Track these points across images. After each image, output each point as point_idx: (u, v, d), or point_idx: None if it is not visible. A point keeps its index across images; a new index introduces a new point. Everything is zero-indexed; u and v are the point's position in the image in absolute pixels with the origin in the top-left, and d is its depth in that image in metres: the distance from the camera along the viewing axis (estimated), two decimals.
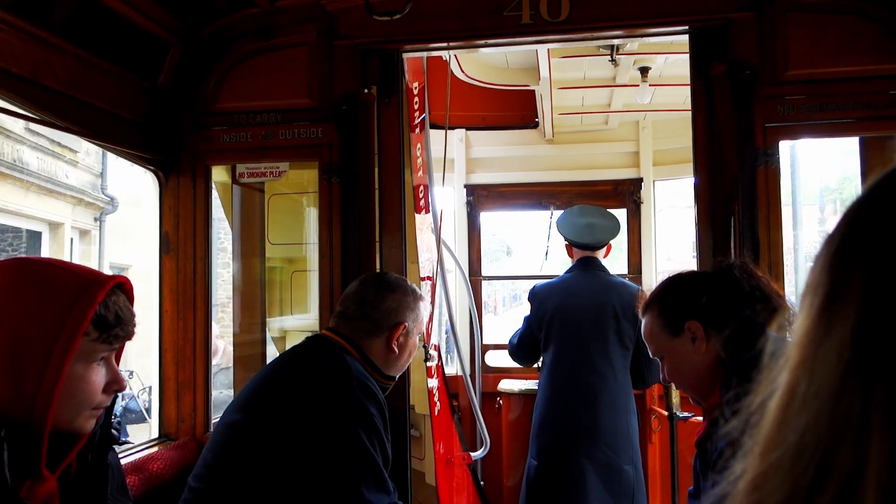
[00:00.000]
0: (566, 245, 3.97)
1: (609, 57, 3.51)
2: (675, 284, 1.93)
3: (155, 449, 2.70)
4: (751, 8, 2.60)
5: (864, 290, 0.46)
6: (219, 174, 3.20)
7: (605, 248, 3.90)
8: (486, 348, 4.96)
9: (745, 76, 2.56)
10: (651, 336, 1.90)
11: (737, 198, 2.54)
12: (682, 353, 1.83)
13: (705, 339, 1.79)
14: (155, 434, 2.92)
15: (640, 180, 4.86)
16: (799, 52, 2.59)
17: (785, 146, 2.98)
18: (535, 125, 4.95)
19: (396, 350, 2.17)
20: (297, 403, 1.89)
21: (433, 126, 3.62)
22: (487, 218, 5.16)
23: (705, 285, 1.87)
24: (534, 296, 3.91)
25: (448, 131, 4.87)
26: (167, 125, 2.89)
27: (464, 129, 4.98)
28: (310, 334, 2.36)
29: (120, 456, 2.58)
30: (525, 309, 4.03)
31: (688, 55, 2.73)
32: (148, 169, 2.92)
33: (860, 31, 2.57)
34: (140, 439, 2.89)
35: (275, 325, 3.81)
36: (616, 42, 3.28)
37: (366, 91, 2.82)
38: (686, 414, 3.81)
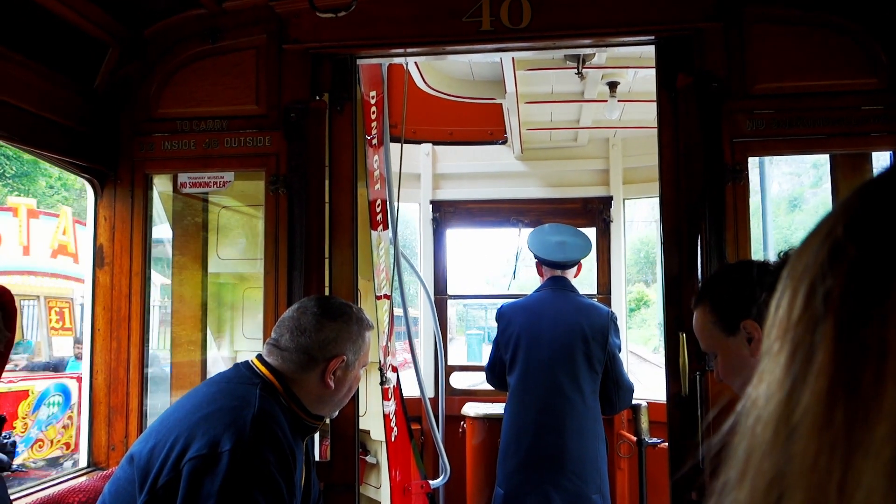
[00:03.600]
0: (536, 263, 3.83)
1: (576, 70, 3.38)
2: (731, 276, 1.73)
3: (82, 479, 2.49)
4: (718, 18, 2.48)
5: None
6: (164, 185, 3.02)
7: (576, 267, 3.76)
8: (450, 370, 4.79)
9: (712, 89, 2.44)
10: (702, 332, 1.73)
11: (704, 216, 2.41)
12: (736, 354, 1.65)
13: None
14: (84, 463, 2.71)
15: (610, 198, 4.74)
16: (768, 65, 2.48)
17: (754, 161, 2.87)
18: (504, 141, 4.82)
19: (332, 385, 1.91)
20: (187, 446, 1.66)
21: (393, 139, 3.47)
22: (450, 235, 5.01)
23: (764, 279, 1.59)
24: (500, 317, 3.75)
25: (414, 146, 4.76)
26: (104, 131, 2.71)
27: (430, 144, 4.84)
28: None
29: (39, 487, 2.40)
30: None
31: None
32: (82, 177, 2.74)
33: (832, 45, 2.46)
34: None
35: (224, 345, 3.61)
36: (581, 52, 3.15)
37: (317, 98, 2.66)
38: (655, 440, 3.67)
